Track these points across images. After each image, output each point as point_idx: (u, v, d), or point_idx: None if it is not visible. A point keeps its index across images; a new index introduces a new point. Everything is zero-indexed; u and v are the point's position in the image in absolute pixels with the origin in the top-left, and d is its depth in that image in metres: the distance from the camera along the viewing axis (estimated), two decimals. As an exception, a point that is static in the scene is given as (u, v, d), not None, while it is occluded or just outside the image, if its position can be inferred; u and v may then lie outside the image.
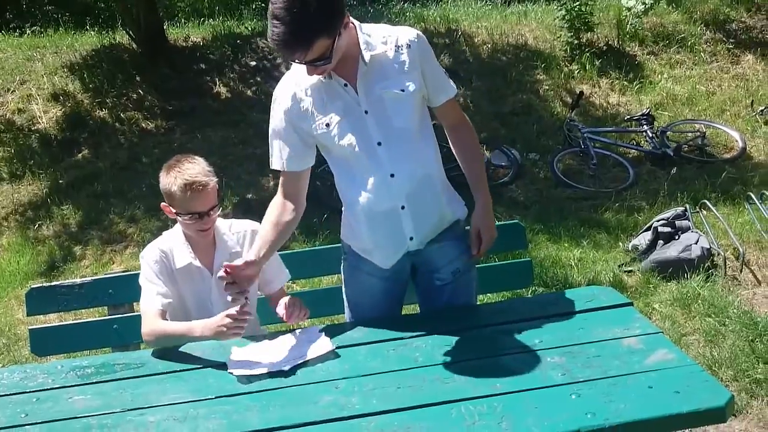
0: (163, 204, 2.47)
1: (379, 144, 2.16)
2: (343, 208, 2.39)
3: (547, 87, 8.02)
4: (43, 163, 7.19)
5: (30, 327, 3.01)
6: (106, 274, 3.11)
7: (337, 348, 2.22)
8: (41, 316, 4.10)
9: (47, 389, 2.15)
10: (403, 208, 2.23)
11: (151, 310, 2.38)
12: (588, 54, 8.17)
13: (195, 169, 2.37)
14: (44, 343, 2.98)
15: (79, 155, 7.36)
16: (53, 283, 2.98)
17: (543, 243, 5.24)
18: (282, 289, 2.66)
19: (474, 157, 2.49)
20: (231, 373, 2.12)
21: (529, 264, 3.16)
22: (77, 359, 2.46)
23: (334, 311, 2.85)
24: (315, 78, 2.13)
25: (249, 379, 2.09)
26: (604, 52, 8.33)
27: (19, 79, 8.21)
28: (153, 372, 2.19)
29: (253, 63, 8.46)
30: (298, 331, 2.36)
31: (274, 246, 2.30)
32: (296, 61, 2.02)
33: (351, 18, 2.10)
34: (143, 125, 7.76)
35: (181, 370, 2.20)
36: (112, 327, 2.93)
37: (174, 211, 2.42)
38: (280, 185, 2.33)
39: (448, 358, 2.11)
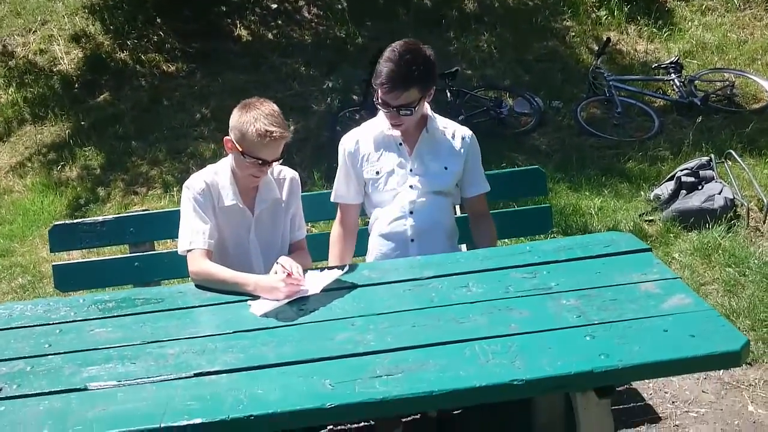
0: (227, 138, 2.40)
1: (411, 187, 2.61)
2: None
3: (573, 33, 7.84)
4: (64, 105, 7.21)
5: (53, 263, 3.07)
6: (128, 213, 3.15)
7: (353, 287, 2.24)
8: (65, 253, 4.18)
9: (69, 321, 2.20)
10: (412, 240, 2.62)
11: (198, 248, 2.38)
12: (617, -1, 7.96)
13: (276, 117, 2.33)
14: (67, 279, 3.04)
15: (101, 97, 7.37)
16: (76, 221, 3.03)
17: (564, 191, 5.20)
18: (302, 242, 2.67)
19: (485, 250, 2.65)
20: (252, 312, 2.15)
21: (548, 210, 3.15)
22: (99, 294, 2.51)
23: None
24: (378, 131, 2.63)
25: (267, 314, 2.12)
26: (633, -2, 8.10)
27: (40, 19, 8.18)
28: (173, 307, 2.23)
29: (274, 6, 8.33)
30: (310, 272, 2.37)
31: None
32: (387, 102, 2.46)
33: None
34: (164, 68, 7.72)
35: (200, 305, 2.23)
36: (134, 264, 2.98)
37: (240, 150, 2.35)
38: (338, 218, 2.78)
39: (464, 299, 2.12)
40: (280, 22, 8.21)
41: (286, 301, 2.17)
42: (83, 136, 6.77)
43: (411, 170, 2.61)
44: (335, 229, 2.78)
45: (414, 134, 2.62)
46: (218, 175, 2.49)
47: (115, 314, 2.22)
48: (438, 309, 2.09)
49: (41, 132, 6.99)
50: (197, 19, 8.09)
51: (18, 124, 7.15)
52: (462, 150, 2.63)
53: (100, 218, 3.01)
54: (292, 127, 6.72)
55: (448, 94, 6.52)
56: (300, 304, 2.18)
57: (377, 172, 2.63)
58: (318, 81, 7.25)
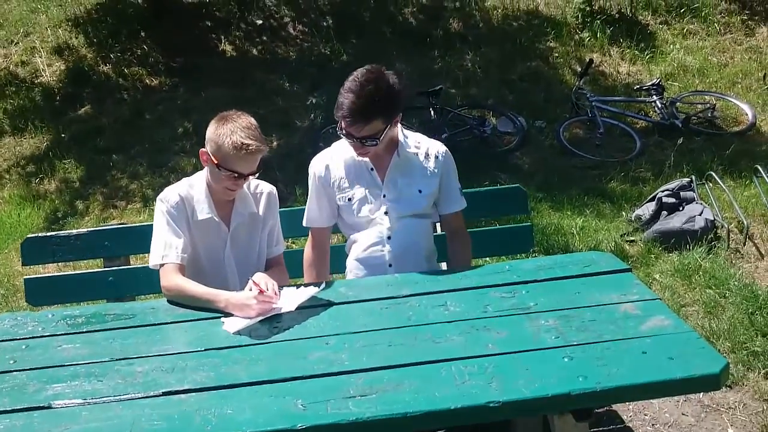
0: (203, 150, 2.38)
1: (386, 213, 2.55)
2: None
3: (557, 54, 7.89)
4: (45, 117, 7.14)
5: (25, 277, 3.01)
6: (102, 226, 3.10)
7: (329, 305, 2.20)
8: (40, 267, 4.11)
9: (37, 337, 2.14)
10: (390, 266, 2.56)
11: (171, 263, 2.33)
12: (599, 22, 8.01)
13: (253, 130, 2.30)
14: (39, 293, 2.99)
15: (82, 110, 7.30)
16: (49, 234, 2.96)
17: (545, 211, 5.19)
18: (279, 257, 2.63)
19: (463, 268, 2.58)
20: (225, 329, 2.11)
21: (529, 229, 3.13)
22: (69, 309, 2.45)
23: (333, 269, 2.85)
24: (348, 155, 2.53)
25: (240, 332, 2.07)
26: (616, 20, 8.16)
27: (23, 31, 8.13)
28: (143, 323, 2.18)
29: (260, 21, 8.33)
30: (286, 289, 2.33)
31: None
32: (351, 133, 2.36)
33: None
34: (147, 81, 7.68)
35: (172, 322, 2.18)
36: (107, 279, 2.92)
37: (215, 162, 2.32)
38: (310, 242, 2.70)
39: (441, 318, 2.09)
40: (265, 38, 8.21)
41: (260, 318, 2.13)
42: (63, 149, 6.69)
43: (384, 195, 2.54)
44: (308, 253, 2.70)
45: (385, 158, 2.55)
46: (193, 188, 2.46)
47: (85, 330, 2.16)
48: (415, 328, 2.05)
49: (20, 144, 6.91)
50: (182, 34, 8.07)
51: (-3, 136, 7.06)
52: (436, 169, 2.56)
53: (75, 231, 2.96)
54: (274, 143, 6.70)
55: (432, 113, 6.53)
56: (274, 321, 2.14)
57: (349, 199, 2.56)
58: (302, 97, 7.24)
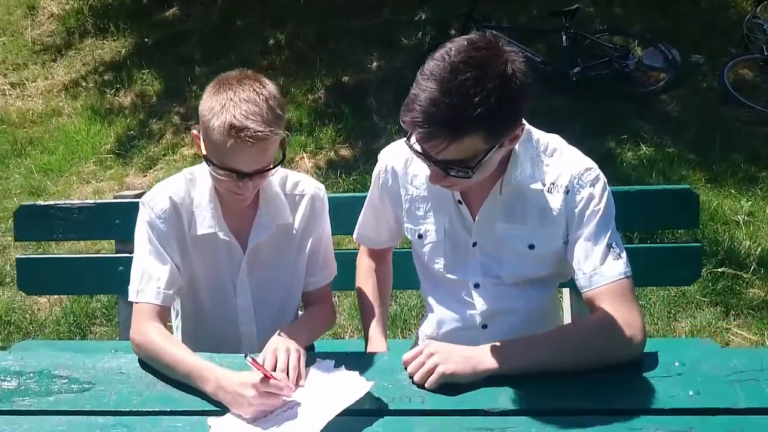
0: (194, 131, 1.58)
1: (477, 286, 1.60)
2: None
3: (726, -30, 6.42)
4: (130, 18, 6.53)
5: (18, 256, 2.36)
6: (115, 197, 2.38)
7: (381, 412, 1.37)
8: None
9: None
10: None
11: (147, 303, 1.57)
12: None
13: (256, 104, 1.45)
14: (34, 279, 2.36)
15: (169, 12, 6.65)
16: (47, 203, 2.28)
17: (699, 182, 4.10)
18: (324, 290, 1.80)
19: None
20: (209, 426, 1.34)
21: (697, 252, 2.16)
22: (6, 357, 1.70)
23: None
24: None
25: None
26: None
27: None
28: (97, 408, 1.43)
29: None
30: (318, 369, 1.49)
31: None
32: (427, 152, 1.34)
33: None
34: (243, -20, 6.89)
35: (138, 411, 1.42)
36: (117, 269, 2.22)
37: (205, 154, 1.53)
38: (365, 250, 1.88)
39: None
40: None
41: (268, 421, 1.34)
42: (144, 56, 6.07)
43: (474, 244, 1.57)
44: (363, 261, 1.88)
45: (484, 184, 1.50)
46: (195, 186, 1.64)
47: (4, 409, 1.43)
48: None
49: (101, 47, 6.35)
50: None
51: (79, 36, 6.52)
52: (562, 209, 1.49)
53: (77, 202, 2.27)
54: (374, 63, 5.79)
55: (564, 38, 5.41)
56: (291, 427, 1.33)
57: (420, 236, 1.63)
58: (410, 9, 6.21)
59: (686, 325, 2.94)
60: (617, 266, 1.44)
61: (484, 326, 1.60)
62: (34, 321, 3.21)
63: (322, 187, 1.74)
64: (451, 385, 1.38)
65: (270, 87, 1.51)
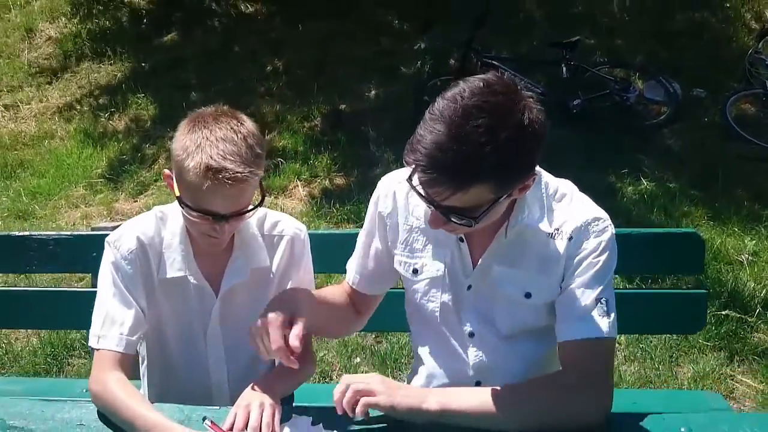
0: (166, 171, 1.48)
1: (471, 335, 1.47)
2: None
3: (728, 5, 6.38)
4: (127, 43, 6.49)
5: (-11, 287, 2.26)
6: (92, 230, 2.29)
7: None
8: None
9: None
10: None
11: (109, 350, 1.45)
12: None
13: (234, 143, 1.36)
14: (7, 311, 2.23)
15: (167, 37, 6.60)
16: (24, 234, 2.18)
17: (701, 219, 4.00)
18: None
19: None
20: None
21: (702, 298, 2.05)
22: None
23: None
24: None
25: None
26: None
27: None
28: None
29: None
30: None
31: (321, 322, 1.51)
32: (430, 197, 1.22)
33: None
34: (242, 8, 6.88)
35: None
36: (93, 304, 2.11)
37: (178, 195, 1.42)
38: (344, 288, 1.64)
39: None
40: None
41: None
42: (140, 81, 6.01)
43: (469, 287, 1.44)
44: (338, 290, 1.64)
45: (488, 227, 1.36)
46: (165, 225, 1.54)
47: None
48: None
49: (98, 71, 6.29)
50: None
51: (76, 59, 6.46)
52: (562, 255, 1.36)
53: (53, 233, 2.16)
54: (372, 92, 5.73)
55: (564, 70, 5.35)
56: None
57: (415, 270, 1.48)
58: (410, 38, 6.17)
59: (689, 371, 2.82)
60: (601, 323, 1.31)
61: (478, 382, 1.48)
62: (9, 351, 3.09)
63: (303, 227, 1.64)
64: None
65: (248, 124, 1.41)
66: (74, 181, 4.87)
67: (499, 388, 1.30)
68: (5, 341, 3.16)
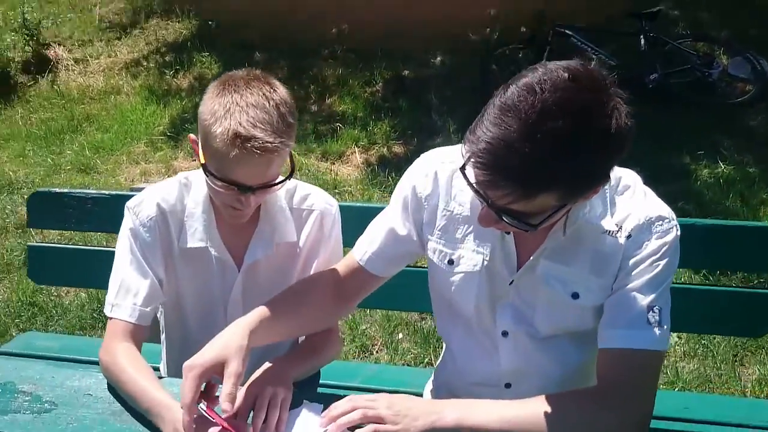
0: (192, 136, 1.42)
1: (505, 335, 1.34)
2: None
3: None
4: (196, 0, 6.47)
5: (29, 243, 2.26)
6: (131, 190, 2.25)
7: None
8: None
9: None
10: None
11: (120, 320, 1.41)
12: None
13: (265, 111, 1.27)
14: (46, 268, 2.26)
15: (235, -5, 6.54)
16: (61, 190, 2.16)
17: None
18: None
19: None
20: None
21: (770, 300, 1.86)
22: None
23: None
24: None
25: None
26: None
27: None
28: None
29: None
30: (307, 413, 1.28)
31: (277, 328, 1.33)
32: (488, 197, 1.07)
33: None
34: (311, -32, 6.74)
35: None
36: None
37: (203, 162, 1.35)
38: (342, 269, 1.46)
39: None
40: None
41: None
42: (206, 39, 6.00)
43: (511, 283, 1.30)
44: (335, 274, 1.47)
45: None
46: (189, 192, 1.47)
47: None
48: None
49: (165, 27, 6.30)
50: None
51: (146, 16, 6.50)
52: (617, 255, 1.22)
53: (92, 191, 2.14)
54: (438, 58, 5.55)
55: (642, 42, 5.03)
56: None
57: (451, 261, 1.34)
58: (481, 4, 5.92)
59: (754, 373, 2.61)
60: (650, 334, 1.17)
61: (508, 385, 1.36)
62: (59, 305, 3.13)
63: (334, 202, 1.54)
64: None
65: (281, 91, 1.32)
66: (136, 137, 4.91)
67: (521, 401, 1.18)
68: (55, 294, 3.21)
